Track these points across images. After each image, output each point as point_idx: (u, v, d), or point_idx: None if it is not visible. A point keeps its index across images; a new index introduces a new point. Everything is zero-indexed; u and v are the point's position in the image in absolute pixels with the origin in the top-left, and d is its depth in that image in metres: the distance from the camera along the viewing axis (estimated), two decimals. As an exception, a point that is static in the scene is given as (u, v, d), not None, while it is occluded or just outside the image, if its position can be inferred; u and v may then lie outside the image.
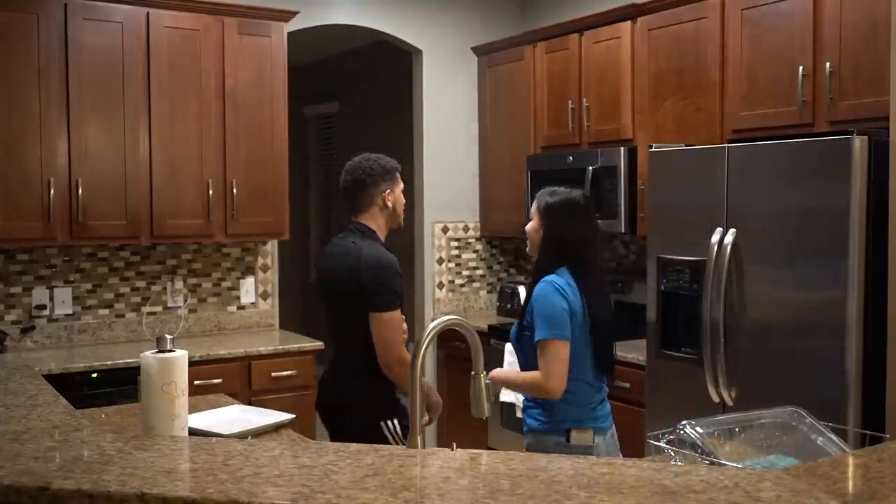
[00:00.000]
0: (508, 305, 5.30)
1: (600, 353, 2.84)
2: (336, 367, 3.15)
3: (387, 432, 2.98)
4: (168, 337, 2.20)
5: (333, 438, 3.02)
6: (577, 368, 2.78)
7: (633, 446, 3.67)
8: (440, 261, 5.53)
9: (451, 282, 5.57)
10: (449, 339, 5.13)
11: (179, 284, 4.69)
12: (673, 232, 3.63)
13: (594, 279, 2.87)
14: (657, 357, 3.73)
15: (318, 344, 4.47)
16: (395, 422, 3.00)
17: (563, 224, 2.85)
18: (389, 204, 3.08)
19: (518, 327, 2.89)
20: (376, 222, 3.08)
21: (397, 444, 2.94)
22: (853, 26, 3.37)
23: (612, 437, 2.92)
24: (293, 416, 2.95)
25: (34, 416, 2.70)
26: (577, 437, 2.78)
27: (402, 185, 3.16)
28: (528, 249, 3.01)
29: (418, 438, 1.95)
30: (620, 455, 2.94)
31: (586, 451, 2.76)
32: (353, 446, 1.74)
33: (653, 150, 3.76)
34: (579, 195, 2.93)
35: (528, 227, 2.96)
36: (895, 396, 2.90)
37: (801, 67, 3.54)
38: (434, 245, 5.51)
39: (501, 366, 4.40)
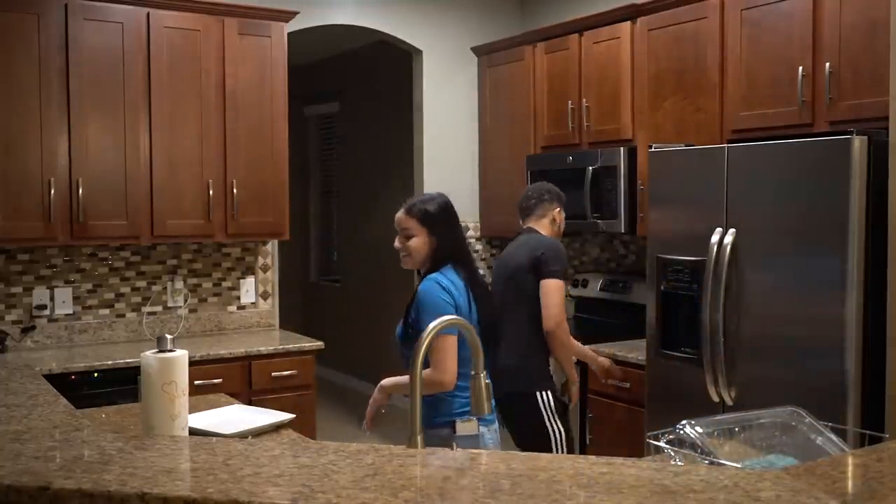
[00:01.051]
0: (508, 305, 5.29)
1: (487, 350, 2.86)
2: (500, 346, 3.26)
3: (541, 403, 3.50)
4: (168, 337, 2.20)
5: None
6: (462, 363, 2.81)
7: (633, 446, 3.67)
8: (440, 261, 5.52)
9: (451, 282, 5.57)
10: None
11: (179, 284, 4.69)
12: (673, 232, 3.64)
13: (477, 278, 2.94)
14: (657, 357, 3.73)
15: (319, 344, 4.47)
16: (549, 394, 3.53)
17: (449, 228, 2.92)
18: (557, 220, 3.79)
19: (404, 326, 2.90)
20: (545, 231, 3.74)
21: (550, 417, 3.50)
22: (852, 27, 3.37)
23: (496, 433, 2.95)
24: (293, 416, 2.95)
25: (35, 415, 2.70)
26: (462, 427, 2.83)
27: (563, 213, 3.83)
28: (408, 265, 2.95)
29: (418, 438, 1.95)
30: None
31: (472, 440, 2.81)
32: (353, 446, 1.74)
33: (653, 150, 3.76)
34: (446, 198, 2.98)
35: (413, 243, 2.89)
36: (895, 396, 2.90)
37: (800, 68, 3.54)
38: (434, 245, 5.50)
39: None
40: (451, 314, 2.71)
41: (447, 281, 2.83)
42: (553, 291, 3.49)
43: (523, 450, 3.53)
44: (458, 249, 2.92)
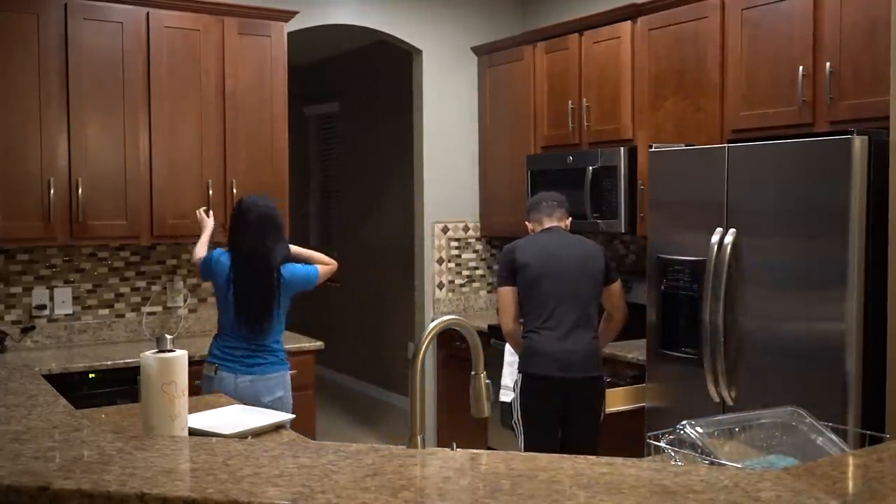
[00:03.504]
0: (508, 305, 5.29)
1: (241, 315, 3.63)
2: (570, 331, 3.67)
3: (604, 386, 3.77)
4: (168, 337, 2.20)
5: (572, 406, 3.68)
6: (220, 319, 3.76)
7: (633, 446, 3.67)
8: (440, 261, 5.53)
9: (451, 282, 5.57)
10: (449, 339, 5.13)
11: (179, 284, 4.69)
12: (673, 232, 3.64)
13: (245, 260, 3.65)
14: (657, 357, 3.73)
15: (318, 344, 4.47)
16: None
17: (234, 224, 3.73)
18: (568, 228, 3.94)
19: None
20: None
21: (604, 401, 3.75)
22: (853, 26, 3.37)
23: (253, 384, 3.60)
24: (293, 416, 2.95)
25: (34, 415, 2.70)
26: (205, 368, 3.71)
27: None
28: None
29: (418, 438, 1.95)
30: (283, 400, 3.67)
31: (208, 378, 3.66)
32: (353, 446, 1.74)
33: (653, 150, 3.76)
34: (248, 204, 3.71)
35: None
36: (895, 396, 2.90)
37: (800, 67, 3.54)
38: (434, 245, 5.51)
39: (502, 366, 4.42)
40: (205, 273, 3.82)
41: (219, 253, 3.75)
42: (622, 292, 3.92)
43: (570, 431, 3.72)
44: (231, 240, 3.73)
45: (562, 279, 3.71)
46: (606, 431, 4.06)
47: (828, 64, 3.44)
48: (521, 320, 3.82)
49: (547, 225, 3.85)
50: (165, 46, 4.26)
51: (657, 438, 2.04)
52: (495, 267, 5.72)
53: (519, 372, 3.78)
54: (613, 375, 4.07)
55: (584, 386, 3.67)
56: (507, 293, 3.79)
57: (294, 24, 4.77)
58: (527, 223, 3.96)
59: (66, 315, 4.41)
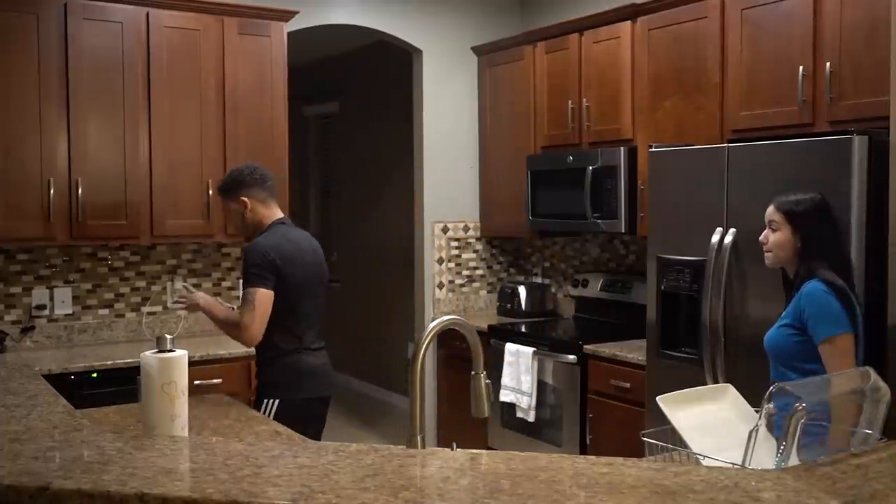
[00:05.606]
0: (508, 305, 5.30)
1: None
2: (321, 349, 3.58)
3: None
4: (168, 337, 2.20)
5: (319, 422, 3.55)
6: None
7: (633, 446, 3.67)
8: (440, 261, 5.53)
9: (451, 282, 5.57)
10: (449, 339, 5.13)
11: (179, 284, 4.69)
12: (673, 232, 3.64)
13: None
14: (657, 357, 3.73)
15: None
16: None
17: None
18: None
19: None
20: None
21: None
22: (853, 26, 3.37)
23: None
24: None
25: (34, 415, 2.70)
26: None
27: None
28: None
29: (418, 438, 1.95)
30: None
31: None
32: (353, 446, 1.74)
33: (653, 150, 3.76)
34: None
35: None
36: (894, 397, 2.89)
37: (801, 67, 3.54)
38: (434, 245, 5.51)
39: (502, 366, 4.40)
40: None
41: None
42: None
43: None
44: None
45: (319, 290, 3.43)
46: (606, 431, 4.06)
47: (828, 64, 3.44)
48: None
49: (279, 215, 3.39)
50: (165, 46, 4.26)
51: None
52: (495, 266, 5.72)
53: (277, 399, 3.33)
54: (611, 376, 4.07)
55: (325, 403, 3.64)
56: (269, 297, 3.22)
57: (294, 24, 4.77)
58: (243, 199, 3.31)
59: (65, 315, 4.41)
